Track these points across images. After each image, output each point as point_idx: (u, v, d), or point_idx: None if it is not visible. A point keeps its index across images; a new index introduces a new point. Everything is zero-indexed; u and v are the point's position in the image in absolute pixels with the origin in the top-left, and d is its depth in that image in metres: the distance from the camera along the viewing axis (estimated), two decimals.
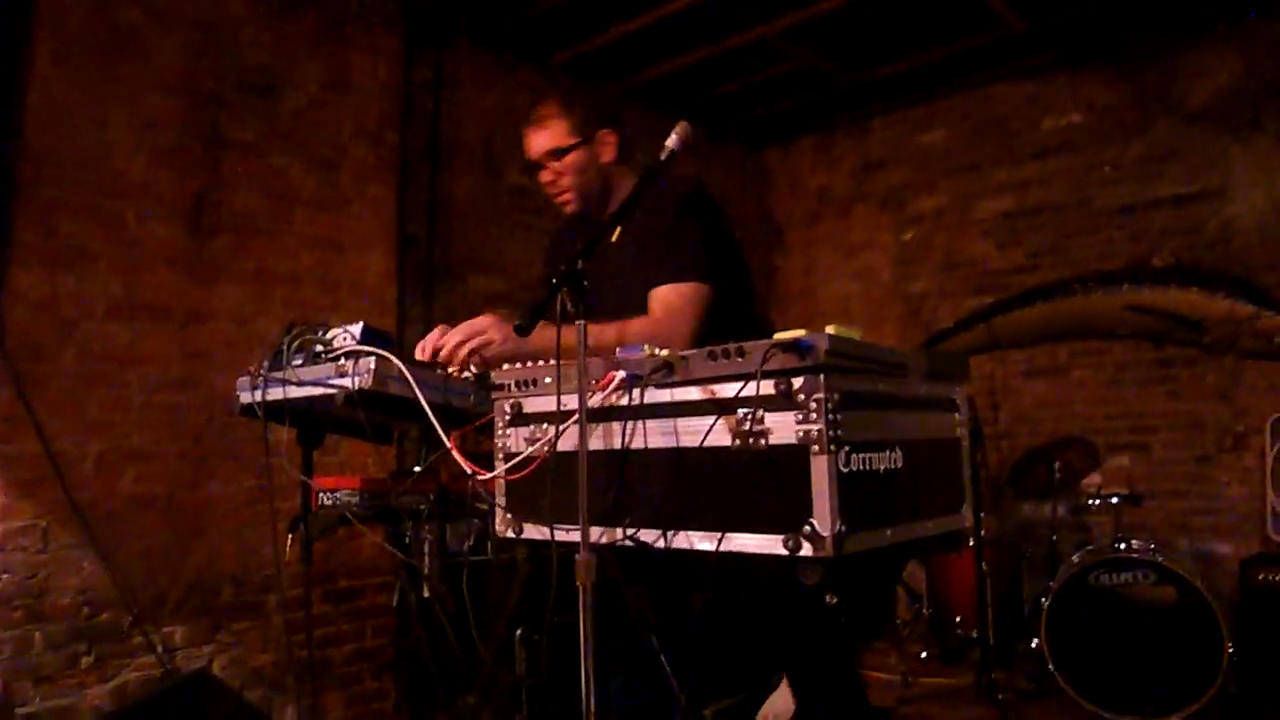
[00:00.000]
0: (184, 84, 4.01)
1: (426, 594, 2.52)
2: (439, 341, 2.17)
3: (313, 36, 4.47)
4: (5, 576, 3.40)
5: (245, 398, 2.55)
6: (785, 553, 1.47)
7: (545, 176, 2.50)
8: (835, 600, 1.54)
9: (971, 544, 4.48)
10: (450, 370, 2.17)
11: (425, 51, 4.99)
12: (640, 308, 2.27)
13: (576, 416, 1.63)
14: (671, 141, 2.13)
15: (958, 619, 4.88)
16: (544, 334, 1.82)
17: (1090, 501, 4.75)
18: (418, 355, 2.18)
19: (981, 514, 4.52)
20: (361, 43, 4.67)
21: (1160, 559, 4.20)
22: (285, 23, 4.37)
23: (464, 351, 2.13)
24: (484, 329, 2.14)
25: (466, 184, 5.18)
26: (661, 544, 1.65)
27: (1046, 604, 4.31)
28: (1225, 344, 5.09)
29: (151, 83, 3.91)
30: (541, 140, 2.47)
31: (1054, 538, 4.92)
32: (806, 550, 1.45)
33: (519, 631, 2.92)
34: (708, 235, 2.37)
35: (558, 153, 2.44)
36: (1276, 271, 5.01)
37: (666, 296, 2.26)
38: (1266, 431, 4.84)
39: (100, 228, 3.73)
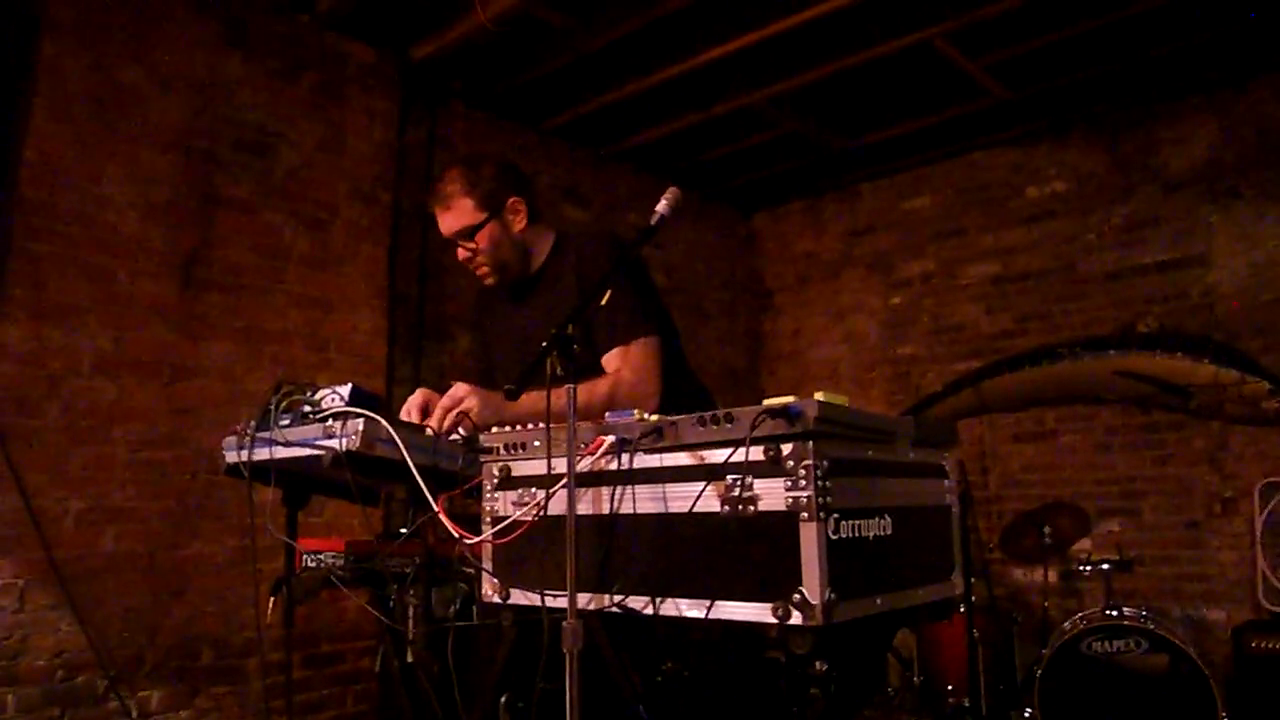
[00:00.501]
0: (180, 141, 4.05)
1: (410, 659, 2.48)
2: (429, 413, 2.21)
3: (309, 97, 4.53)
4: None
5: (231, 457, 2.53)
6: (775, 621, 1.46)
7: (461, 254, 2.51)
8: (825, 668, 1.52)
9: (962, 610, 4.45)
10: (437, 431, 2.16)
11: (419, 113, 5.06)
12: (585, 362, 2.25)
13: (565, 481, 1.62)
14: (662, 207, 2.15)
15: (949, 687, 4.81)
16: (522, 399, 1.85)
17: (1081, 567, 4.72)
18: (402, 418, 2.19)
19: (971, 579, 4.49)
20: (357, 104, 4.73)
21: (1153, 626, 4.17)
22: (283, 83, 4.43)
23: (448, 422, 2.14)
24: (461, 397, 2.16)
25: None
26: (650, 611, 1.63)
27: (1039, 672, 4.26)
28: (1211, 409, 5.12)
29: (147, 140, 3.95)
30: (450, 220, 2.47)
31: (1045, 604, 4.88)
32: (796, 619, 1.44)
33: (504, 698, 2.86)
34: (647, 288, 2.43)
35: (468, 232, 2.45)
36: (1260, 337, 5.05)
37: (629, 355, 2.28)
38: (1255, 497, 4.84)
39: (90, 282, 3.73)
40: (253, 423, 2.46)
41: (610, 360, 2.30)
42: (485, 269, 2.50)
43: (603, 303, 2.25)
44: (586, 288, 2.30)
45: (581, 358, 2.25)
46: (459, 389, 2.18)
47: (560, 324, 1.68)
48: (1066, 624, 4.44)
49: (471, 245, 2.46)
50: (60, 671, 3.51)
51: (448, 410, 2.15)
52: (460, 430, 2.21)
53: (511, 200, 2.48)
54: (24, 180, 3.59)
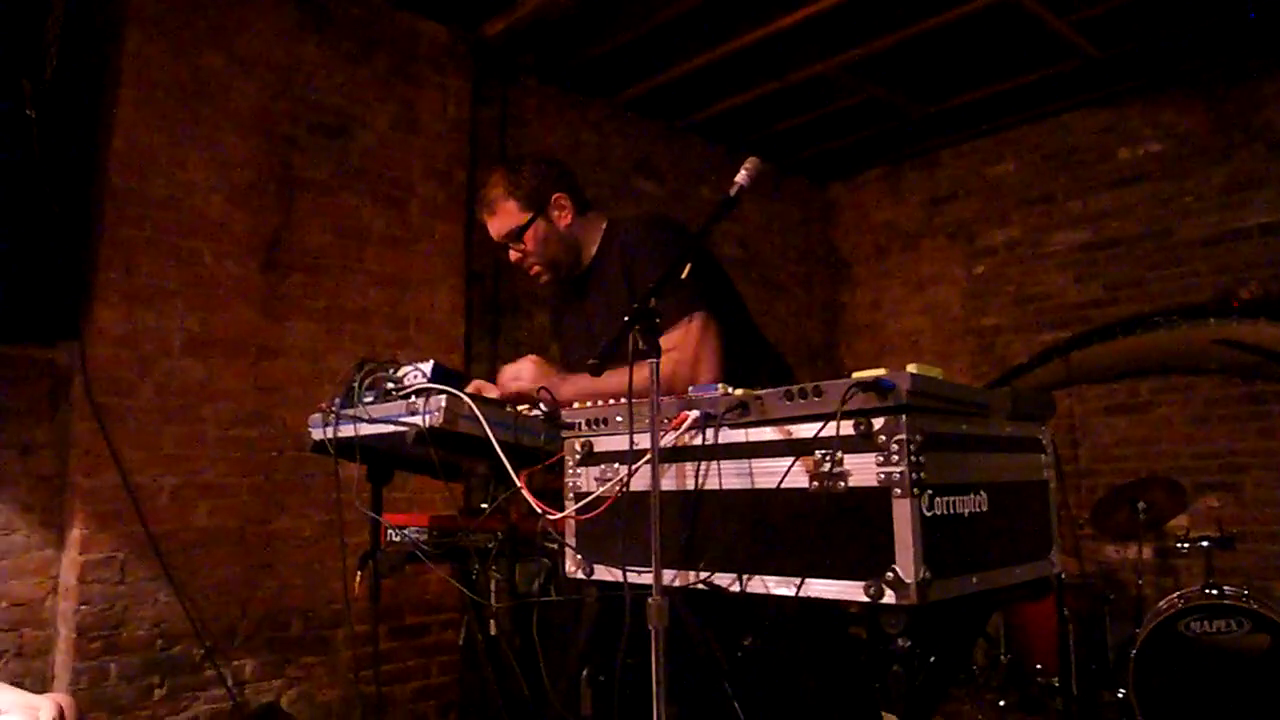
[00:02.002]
0: (260, 126, 4.12)
1: (494, 633, 2.50)
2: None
3: (383, 78, 4.56)
4: (84, 608, 3.46)
5: (317, 434, 2.57)
6: (867, 600, 1.42)
7: (514, 256, 2.52)
8: (908, 644, 1.47)
9: (1053, 588, 4.32)
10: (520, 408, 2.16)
11: (492, 90, 5.07)
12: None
13: (648, 457, 1.59)
14: (741, 177, 2.10)
15: (1038, 666, 4.69)
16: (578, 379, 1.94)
17: (1178, 544, 4.54)
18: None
19: (1062, 556, 4.35)
20: (430, 83, 4.75)
21: (1255, 606, 4.00)
22: (357, 65, 4.47)
23: (512, 389, 2.24)
24: (519, 371, 2.25)
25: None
26: (737, 588, 1.60)
27: (1134, 652, 4.12)
28: None
29: (229, 125, 4.02)
30: (496, 225, 2.49)
31: (1139, 582, 4.71)
32: (889, 598, 1.39)
33: (585, 672, 2.87)
34: (697, 266, 2.37)
35: (516, 234, 2.45)
36: None
37: (676, 337, 2.21)
38: None
39: (178, 265, 3.82)
40: (337, 400, 2.49)
41: (664, 344, 2.27)
42: (537, 268, 2.51)
43: (684, 276, 2.21)
44: (634, 272, 2.31)
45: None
46: (523, 362, 2.27)
47: (642, 299, 1.65)
48: (1163, 603, 4.28)
49: (521, 247, 2.47)
50: (159, 641, 3.64)
51: (507, 379, 2.25)
52: (542, 405, 2.20)
53: (555, 196, 2.48)
54: (113, 169, 3.69)
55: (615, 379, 2.04)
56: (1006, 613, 4.89)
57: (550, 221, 2.47)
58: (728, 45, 4.93)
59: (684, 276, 2.26)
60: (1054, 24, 4.81)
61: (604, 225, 2.55)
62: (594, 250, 2.52)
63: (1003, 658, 4.84)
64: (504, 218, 2.47)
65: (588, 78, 5.41)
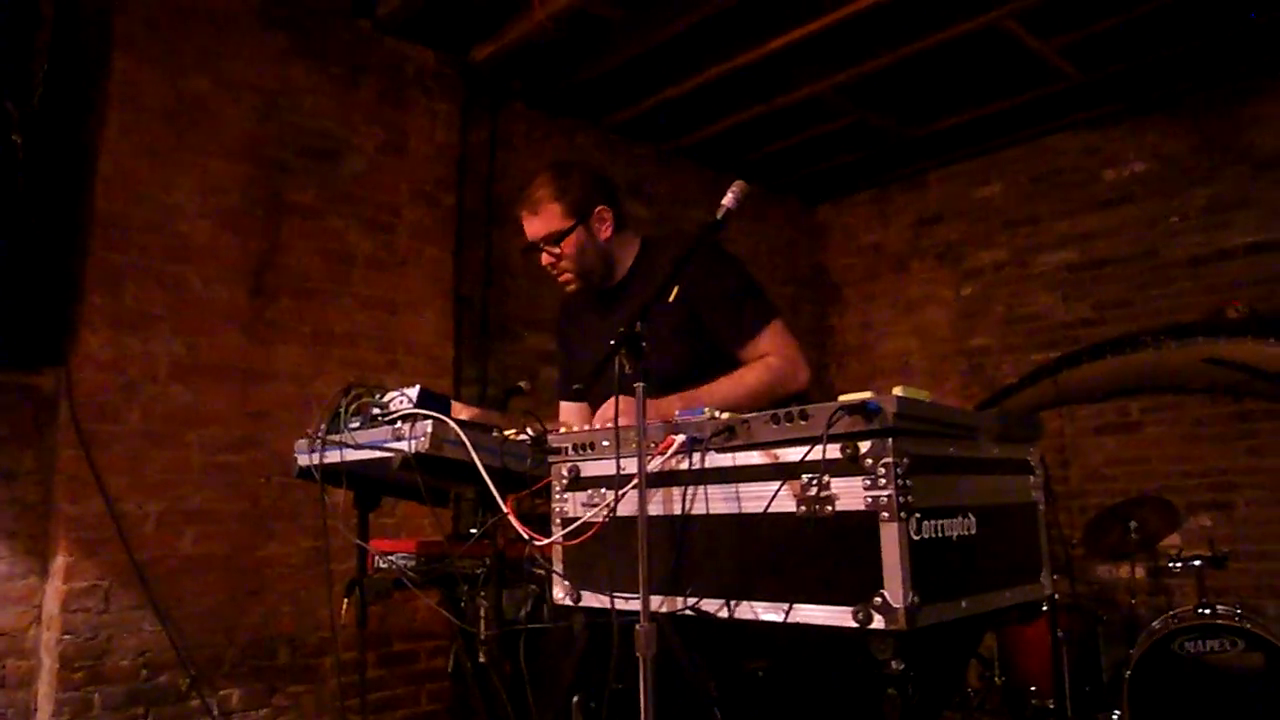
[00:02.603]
0: (247, 150, 4.12)
1: (483, 659, 2.47)
2: None
3: (371, 102, 4.57)
4: (68, 638, 3.42)
5: (303, 460, 2.55)
6: (855, 625, 1.40)
7: (545, 259, 2.49)
8: (901, 667, 1.45)
9: (1045, 609, 4.30)
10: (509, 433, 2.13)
11: (481, 114, 5.08)
12: (687, 364, 2.24)
13: (635, 481, 1.58)
14: (728, 200, 2.11)
15: (1032, 688, 4.66)
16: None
17: (1170, 564, 4.53)
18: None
19: (1054, 577, 4.34)
20: (419, 107, 4.76)
21: (1249, 625, 3.98)
22: (345, 89, 4.48)
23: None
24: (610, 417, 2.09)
25: (522, 244, 5.21)
26: (725, 614, 1.58)
27: (1128, 673, 4.10)
28: None
29: (217, 149, 4.02)
30: (536, 225, 2.46)
31: (1132, 601, 4.69)
32: (878, 623, 1.38)
33: (576, 699, 2.84)
34: (748, 276, 2.42)
35: (555, 238, 2.43)
36: None
37: (768, 340, 2.27)
38: None
39: (165, 290, 3.81)
40: (323, 426, 2.48)
41: (750, 352, 2.27)
42: (569, 275, 2.48)
43: (669, 300, 2.21)
44: (695, 295, 2.24)
45: (683, 356, 2.22)
46: (612, 406, 2.10)
47: (629, 323, 1.64)
48: (1156, 623, 4.27)
49: (556, 251, 2.43)
50: (144, 671, 3.59)
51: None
52: (529, 430, 2.18)
53: (599, 209, 2.45)
54: (99, 193, 3.68)
55: (723, 390, 2.11)
56: (1000, 634, 4.87)
57: (591, 232, 2.44)
58: (717, 69, 4.95)
59: (745, 288, 2.32)
60: (1038, 48, 4.85)
61: (638, 244, 2.53)
62: (628, 266, 2.50)
63: (997, 679, 4.82)
64: (546, 220, 2.43)
65: (576, 102, 5.43)
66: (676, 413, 1.73)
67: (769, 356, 2.24)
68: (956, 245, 6.49)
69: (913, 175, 6.71)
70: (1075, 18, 4.64)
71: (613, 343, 1.64)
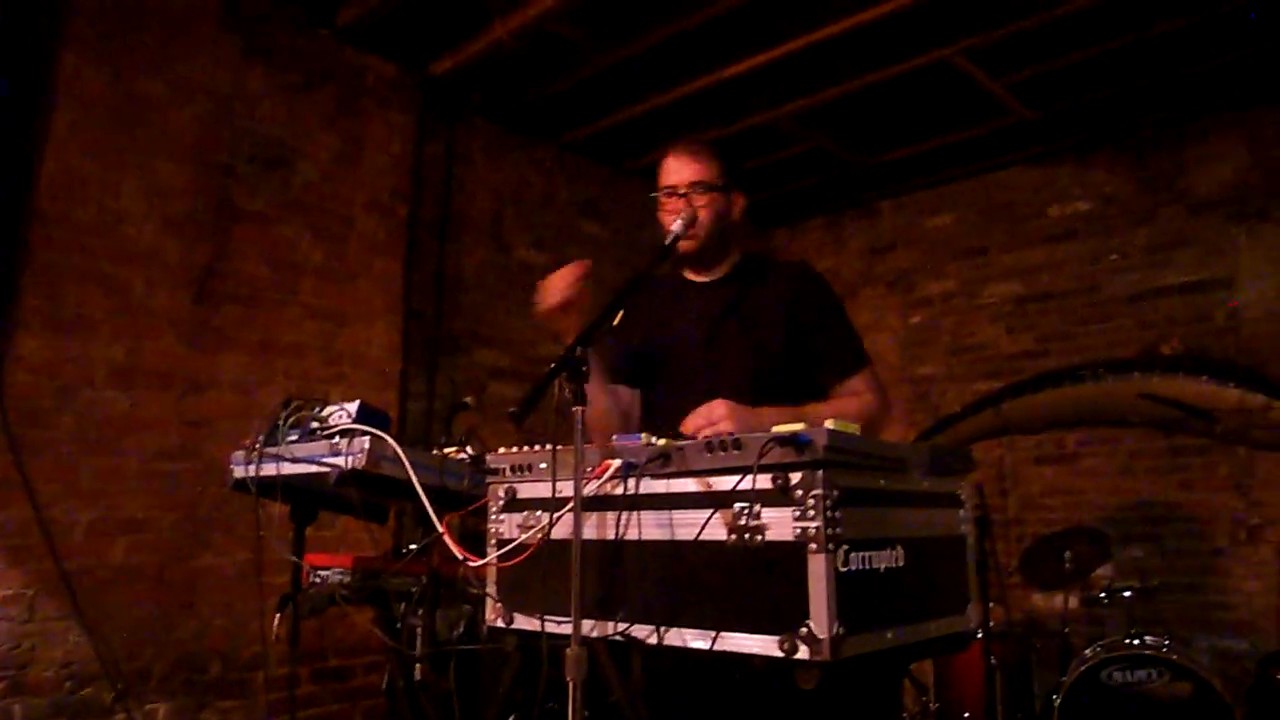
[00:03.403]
0: (197, 154, 4.06)
1: (419, 678, 2.46)
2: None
3: (327, 111, 4.54)
4: None
5: (239, 472, 2.52)
6: (781, 655, 1.41)
7: (673, 206, 2.35)
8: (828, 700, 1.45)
9: (980, 636, 4.37)
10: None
11: (438, 126, 5.07)
12: (763, 377, 2.20)
13: (571, 505, 1.58)
14: (676, 226, 2.16)
15: (965, 714, 4.71)
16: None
17: (1102, 594, 4.62)
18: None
19: (990, 604, 4.41)
20: (376, 118, 4.74)
21: (1175, 656, 4.07)
22: (301, 97, 4.44)
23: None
24: (719, 419, 1.89)
25: (475, 258, 5.21)
26: (654, 640, 1.59)
27: (1058, 701, 4.17)
28: (1237, 434, 5.02)
29: (165, 152, 3.96)
30: (690, 170, 2.35)
31: (1065, 630, 4.78)
32: (803, 653, 1.39)
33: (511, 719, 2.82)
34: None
35: (704, 185, 2.33)
36: None
37: (868, 381, 2.31)
38: None
39: (106, 294, 3.74)
40: (261, 438, 2.45)
41: (844, 386, 2.29)
42: (692, 232, 2.31)
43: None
44: (796, 309, 2.27)
45: (779, 375, 2.21)
46: (718, 407, 1.90)
47: (569, 348, 1.65)
48: (1087, 651, 4.34)
49: (694, 200, 2.32)
50: (68, 683, 3.50)
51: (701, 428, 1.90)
52: (469, 449, 2.18)
53: (740, 195, 2.42)
54: (42, 192, 3.61)
55: (826, 415, 2.06)
56: (936, 661, 4.92)
57: (729, 205, 2.39)
58: (675, 92, 5.00)
59: (851, 327, 2.34)
60: (988, 85, 4.96)
61: (740, 253, 2.47)
62: (730, 266, 2.44)
63: (932, 706, 4.86)
64: (702, 167, 2.35)
65: (535, 119, 5.44)
66: (614, 437, 1.74)
67: (868, 395, 2.27)
68: (907, 274, 6.59)
69: (866, 203, 6.81)
70: (1024, 56, 4.75)
71: (553, 365, 1.64)
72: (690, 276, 2.46)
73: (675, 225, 2.19)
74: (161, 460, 3.83)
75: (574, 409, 1.63)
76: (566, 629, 1.57)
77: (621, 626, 1.62)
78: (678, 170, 2.36)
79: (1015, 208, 6.11)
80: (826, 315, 2.32)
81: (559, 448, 1.72)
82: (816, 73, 4.90)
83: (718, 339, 2.31)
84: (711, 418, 1.89)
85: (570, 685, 1.55)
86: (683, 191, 2.32)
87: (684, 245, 2.31)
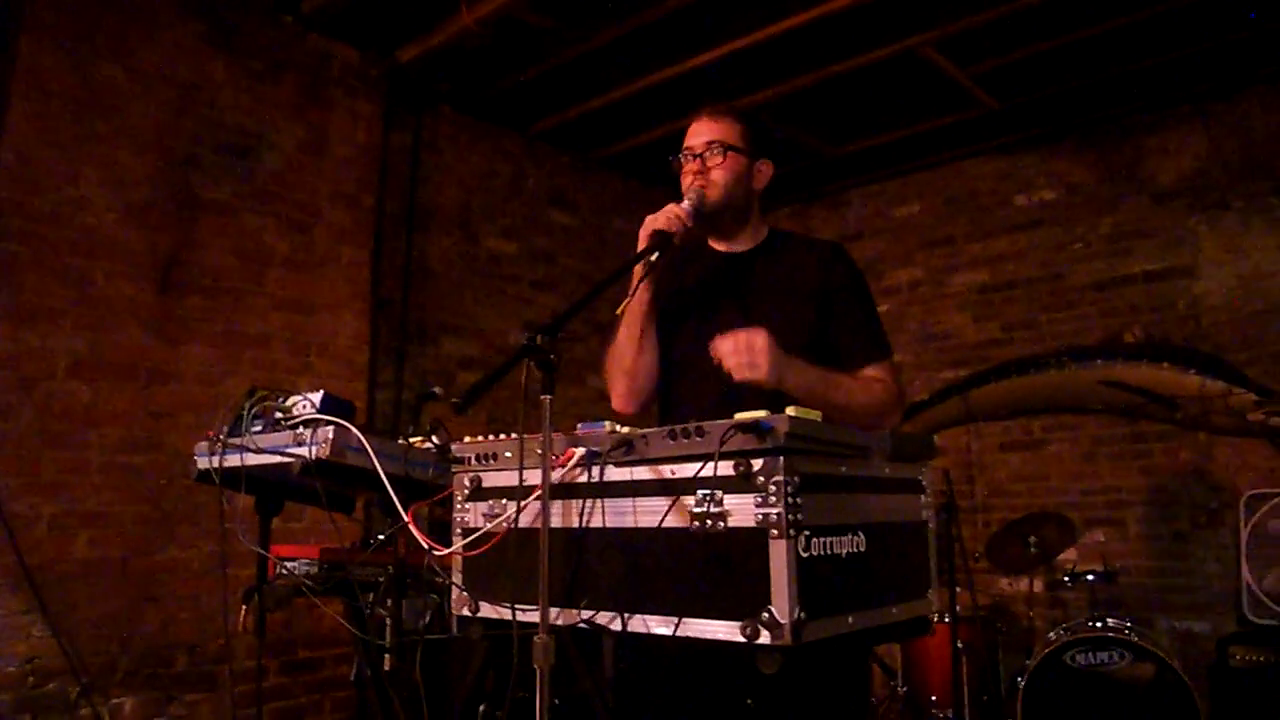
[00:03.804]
0: (159, 143, 4.01)
1: (387, 667, 2.45)
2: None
3: (292, 100, 4.49)
4: None
5: (202, 463, 2.51)
6: (743, 640, 1.43)
7: (693, 166, 2.28)
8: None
9: (946, 620, 4.43)
10: None
11: (405, 116, 5.03)
12: (796, 342, 2.05)
13: (536, 494, 1.59)
14: (685, 206, 2.15)
15: (933, 697, 4.78)
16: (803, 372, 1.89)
17: (1065, 578, 4.70)
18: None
19: (957, 589, 4.47)
20: (341, 106, 4.70)
21: (1136, 638, 4.15)
22: (265, 85, 4.39)
23: (739, 359, 1.86)
24: (759, 348, 1.86)
25: (442, 248, 5.19)
26: (618, 626, 1.60)
27: (1023, 684, 4.24)
28: (1197, 420, 5.11)
29: (127, 141, 3.91)
30: (710, 129, 2.30)
31: (1030, 614, 4.86)
32: (765, 638, 1.41)
33: (481, 708, 2.83)
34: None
35: (723, 147, 2.26)
36: (1245, 349, 5.04)
37: (889, 371, 2.24)
38: (1240, 508, 4.82)
39: (66, 285, 3.68)
40: (225, 429, 2.43)
41: (864, 371, 2.20)
42: (707, 188, 2.24)
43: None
44: (833, 294, 2.23)
45: (804, 355, 2.07)
46: (759, 336, 1.86)
47: (532, 335, 1.64)
48: (1051, 634, 4.42)
49: (714, 162, 2.26)
50: (31, 678, 3.46)
51: (741, 350, 1.86)
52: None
53: (766, 162, 2.35)
54: (0, 181, 3.54)
55: (848, 387, 2.05)
56: (904, 646, 4.99)
57: (751, 170, 2.32)
58: (642, 81, 4.99)
59: (876, 316, 2.28)
60: (955, 75, 5.00)
61: (767, 229, 2.41)
62: (755, 241, 2.37)
63: (900, 689, 4.93)
64: (724, 129, 2.29)
65: (502, 108, 5.41)
66: (578, 426, 1.74)
67: (888, 383, 2.19)
68: (875, 263, 6.63)
69: (834, 193, 6.84)
70: (990, 47, 4.79)
71: (524, 342, 1.62)
72: (715, 245, 2.39)
73: (684, 205, 2.15)
74: (125, 452, 3.79)
75: (543, 397, 1.63)
76: (534, 617, 1.57)
77: (586, 614, 1.63)
78: (697, 132, 2.31)
79: (981, 197, 6.17)
80: (855, 300, 2.27)
81: (525, 436, 1.72)
82: (784, 62, 4.91)
83: (743, 314, 2.20)
84: (751, 342, 1.84)
85: (537, 673, 1.55)
86: (699, 152, 2.27)
87: (701, 202, 2.24)
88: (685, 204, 2.16)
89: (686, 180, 2.26)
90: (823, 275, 2.25)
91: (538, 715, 1.56)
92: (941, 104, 5.43)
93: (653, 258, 2.08)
